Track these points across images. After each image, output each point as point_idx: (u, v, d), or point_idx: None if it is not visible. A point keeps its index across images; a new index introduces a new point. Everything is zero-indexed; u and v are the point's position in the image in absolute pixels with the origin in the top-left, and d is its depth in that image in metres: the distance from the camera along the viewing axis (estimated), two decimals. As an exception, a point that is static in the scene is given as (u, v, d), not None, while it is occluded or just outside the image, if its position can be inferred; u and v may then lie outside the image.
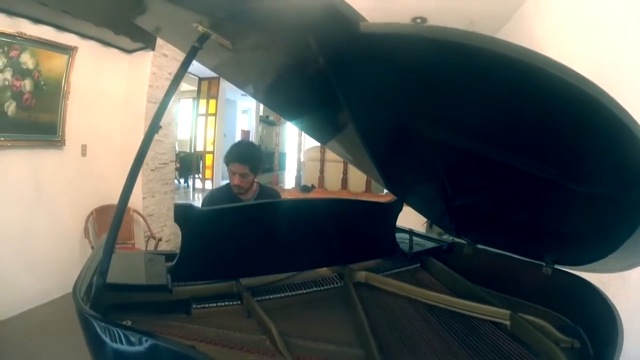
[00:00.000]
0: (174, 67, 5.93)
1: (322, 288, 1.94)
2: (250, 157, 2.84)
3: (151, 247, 5.41)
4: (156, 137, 5.01)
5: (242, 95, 11.66)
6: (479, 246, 2.06)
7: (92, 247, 4.93)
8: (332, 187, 6.27)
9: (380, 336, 1.55)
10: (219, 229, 1.82)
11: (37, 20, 4.21)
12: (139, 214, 5.61)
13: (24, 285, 4.39)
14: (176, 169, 9.67)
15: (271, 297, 1.82)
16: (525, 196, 1.58)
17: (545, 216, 1.60)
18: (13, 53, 4.05)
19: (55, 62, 4.54)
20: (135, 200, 5.65)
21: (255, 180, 2.97)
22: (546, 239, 1.67)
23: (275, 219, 1.99)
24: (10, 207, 4.27)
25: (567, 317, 1.63)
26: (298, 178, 6.68)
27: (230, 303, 1.75)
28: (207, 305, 1.72)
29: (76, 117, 4.90)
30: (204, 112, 10.59)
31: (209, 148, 10.67)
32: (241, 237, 1.87)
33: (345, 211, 2.18)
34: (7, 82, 4.06)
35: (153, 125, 1.60)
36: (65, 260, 4.84)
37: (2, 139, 4.14)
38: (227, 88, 10.37)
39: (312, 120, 2.27)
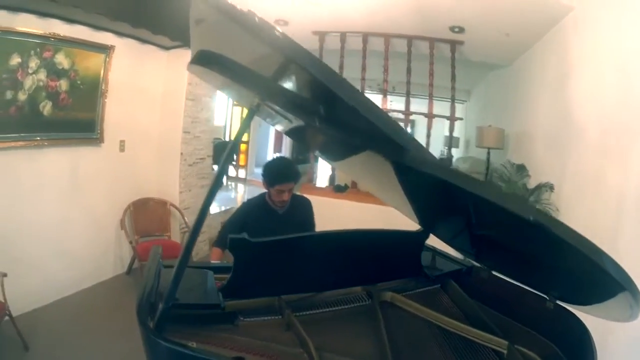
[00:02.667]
0: None
1: (352, 305, 2.05)
2: (297, 173, 2.87)
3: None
4: (194, 133, 4.70)
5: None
6: (494, 273, 2.16)
7: (130, 241, 4.86)
8: (366, 188, 5.86)
9: (397, 353, 1.67)
10: (265, 256, 1.92)
11: (71, 21, 3.92)
12: (175, 207, 5.42)
13: (58, 274, 4.29)
14: (211, 156, 9.42)
15: (308, 312, 1.93)
16: (535, 244, 1.60)
17: (551, 260, 1.63)
18: (47, 54, 3.78)
19: (92, 62, 4.27)
20: (172, 194, 5.49)
21: None
22: (552, 277, 1.77)
23: (315, 249, 2.08)
24: (48, 202, 4.16)
25: (558, 347, 1.78)
26: (332, 177, 6.33)
27: (272, 317, 1.86)
28: (251, 318, 1.82)
29: (114, 114, 4.69)
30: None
31: (244, 137, 10.18)
32: (284, 263, 1.96)
33: (378, 241, 2.26)
34: (41, 83, 3.82)
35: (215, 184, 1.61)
36: (100, 251, 4.84)
37: (38, 138, 3.95)
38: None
39: (355, 166, 2.21)
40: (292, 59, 1.22)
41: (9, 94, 3.54)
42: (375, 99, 6.11)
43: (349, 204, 5.74)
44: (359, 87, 5.94)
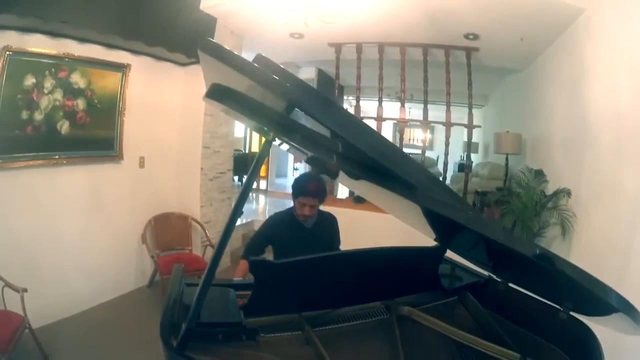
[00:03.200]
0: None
1: (370, 320, 2.07)
2: (323, 192, 2.89)
3: (208, 254, 5.14)
4: (214, 148, 4.66)
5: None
6: (511, 285, 2.16)
7: (151, 256, 4.81)
8: None
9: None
10: (286, 276, 1.95)
11: (85, 40, 3.90)
12: (196, 221, 5.37)
13: (79, 288, 4.27)
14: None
15: (327, 327, 1.96)
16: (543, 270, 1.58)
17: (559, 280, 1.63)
18: (62, 74, 3.77)
19: (108, 80, 4.26)
20: (194, 208, 5.45)
21: None
22: (564, 289, 1.74)
23: (335, 268, 2.12)
24: (69, 218, 4.16)
25: (570, 357, 1.79)
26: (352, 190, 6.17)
27: (292, 332, 1.89)
28: (272, 334, 1.84)
29: (133, 131, 4.68)
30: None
31: None
32: (304, 282, 1.98)
33: (397, 258, 2.28)
34: (58, 103, 3.81)
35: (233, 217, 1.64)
36: (121, 265, 4.81)
37: (57, 157, 3.94)
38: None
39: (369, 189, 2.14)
40: (295, 104, 1.28)
41: (24, 114, 3.53)
42: (393, 107, 5.99)
43: (368, 214, 5.65)
44: (376, 96, 5.87)
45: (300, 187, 2.86)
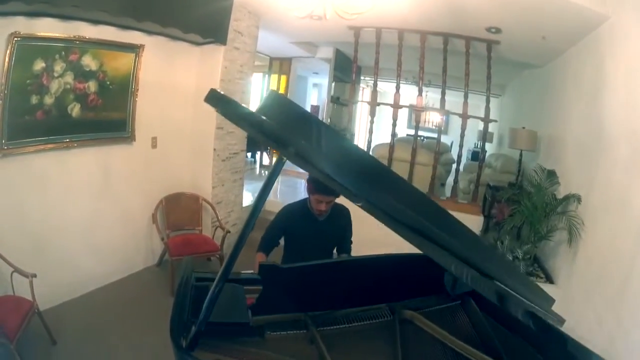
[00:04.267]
0: (246, 59, 5.54)
1: (374, 321, 2.12)
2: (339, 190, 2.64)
3: (218, 234, 5.04)
4: (228, 128, 4.55)
5: (313, 73, 10.94)
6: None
7: (161, 238, 4.72)
8: None
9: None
10: (294, 279, 2.03)
11: (96, 22, 3.73)
12: (207, 202, 5.29)
13: (88, 268, 4.24)
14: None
15: (331, 327, 2.02)
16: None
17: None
18: (73, 57, 3.63)
19: (121, 61, 4.11)
20: (205, 189, 5.37)
21: None
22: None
23: (342, 273, 2.18)
24: (79, 199, 4.10)
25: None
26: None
27: (297, 331, 1.96)
28: (278, 332, 1.92)
29: (146, 112, 4.56)
30: (275, 90, 9.83)
31: None
32: (312, 285, 2.05)
33: (403, 264, 2.29)
34: (68, 86, 3.68)
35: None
36: (131, 245, 4.78)
37: (67, 140, 3.83)
38: (299, 67, 9.69)
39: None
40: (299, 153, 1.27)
41: (34, 99, 3.42)
42: (411, 90, 5.81)
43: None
44: (395, 80, 5.67)
45: (317, 185, 2.74)
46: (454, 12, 4.34)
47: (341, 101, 8.82)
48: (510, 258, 4.06)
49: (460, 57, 5.24)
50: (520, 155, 5.18)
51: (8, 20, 3.04)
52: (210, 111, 5.12)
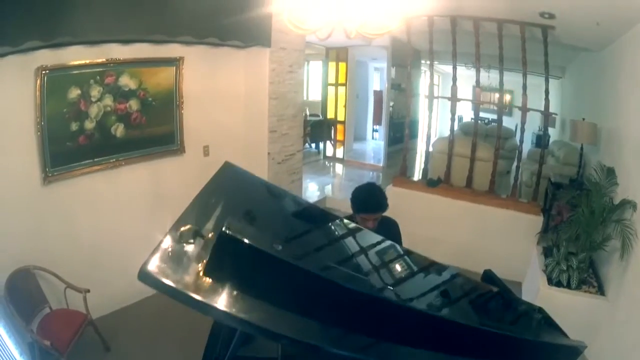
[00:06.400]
0: (295, 57, 5.33)
1: None
2: (383, 204, 2.63)
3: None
4: (281, 131, 4.35)
5: (372, 59, 10.46)
6: None
7: None
8: (457, 183, 5.33)
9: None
10: None
11: (128, 42, 3.59)
12: (264, 207, 5.07)
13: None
14: (307, 134, 8.99)
15: None
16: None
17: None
18: (109, 79, 3.54)
19: (161, 76, 4.00)
20: (262, 194, 5.18)
21: None
22: None
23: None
24: (131, 213, 4.09)
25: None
26: (425, 170, 5.74)
27: None
28: None
29: (194, 121, 4.45)
30: (334, 81, 9.49)
31: (340, 118, 9.59)
32: None
33: None
34: (109, 108, 3.62)
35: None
36: None
37: (114, 160, 3.79)
38: (357, 53, 9.26)
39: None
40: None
41: (74, 126, 3.37)
42: (469, 74, 5.38)
43: (441, 199, 5.22)
44: (451, 64, 5.30)
45: (362, 204, 2.62)
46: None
47: (402, 88, 8.38)
48: (565, 267, 3.66)
49: (516, 41, 4.79)
50: (581, 149, 4.65)
51: (32, 56, 2.97)
52: (262, 114, 5.04)
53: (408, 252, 2.27)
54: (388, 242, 2.29)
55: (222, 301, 1.36)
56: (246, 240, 1.40)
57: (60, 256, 3.45)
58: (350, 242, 2.20)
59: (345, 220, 2.36)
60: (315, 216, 2.39)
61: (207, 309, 1.36)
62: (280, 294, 1.43)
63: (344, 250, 2.07)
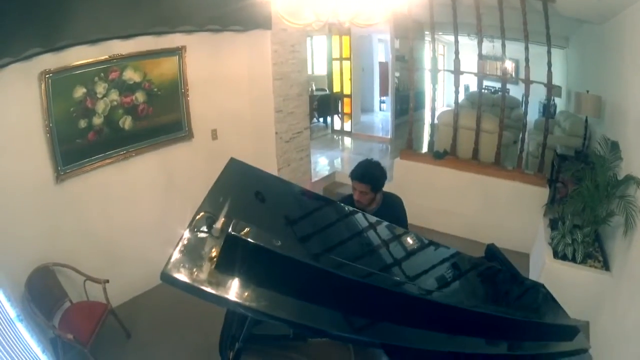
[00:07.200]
0: (296, 38, 5.35)
1: None
2: (370, 177, 2.68)
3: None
4: (287, 110, 4.38)
5: (375, 31, 10.23)
6: None
7: None
8: (464, 155, 5.30)
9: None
10: None
11: (129, 37, 3.58)
12: (274, 185, 5.14)
13: (159, 261, 4.22)
14: (314, 109, 8.96)
15: None
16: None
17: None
18: (113, 75, 3.56)
19: (164, 67, 4.01)
20: (271, 172, 5.25)
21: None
22: None
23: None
24: (144, 200, 4.17)
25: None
26: (431, 143, 5.71)
27: None
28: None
29: (201, 107, 4.48)
30: (338, 55, 9.32)
31: (347, 91, 9.44)
32: None
33: None
34: (115, 103, 3.65)
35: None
36: None
37: (124, 152, 3.84)
38: (359, 28, 9.04)
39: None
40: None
41: (82, 123, 3.42)
42: (474, 44, 5.30)
43: (447, 171, 5.22)
44: (453, 35, 5.26)
45: (354, 170, 2.72)
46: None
47: (406, 60, 8.26)
48: (570, 241, 3.66)
49: (518, 12, 4.65)
50: (586, 121, 4.59)
51: (34, 61, 2.98)
52: (267, 95, 5.05)
53: (403, 234, 2.38)
54: (383, 224, 2.38)
55: (232, 293, 1.51)
56: (250, 240, 1.57)
57: (77, 251, 3.53)
58: (348, 228, 2.36)
59: (346, 208, 2.43)
60: (313, 204, 2.54)
61: (220, 300, 1.51)
62: (282, 283, 1.60)
63: (339, 237, 2.20)
